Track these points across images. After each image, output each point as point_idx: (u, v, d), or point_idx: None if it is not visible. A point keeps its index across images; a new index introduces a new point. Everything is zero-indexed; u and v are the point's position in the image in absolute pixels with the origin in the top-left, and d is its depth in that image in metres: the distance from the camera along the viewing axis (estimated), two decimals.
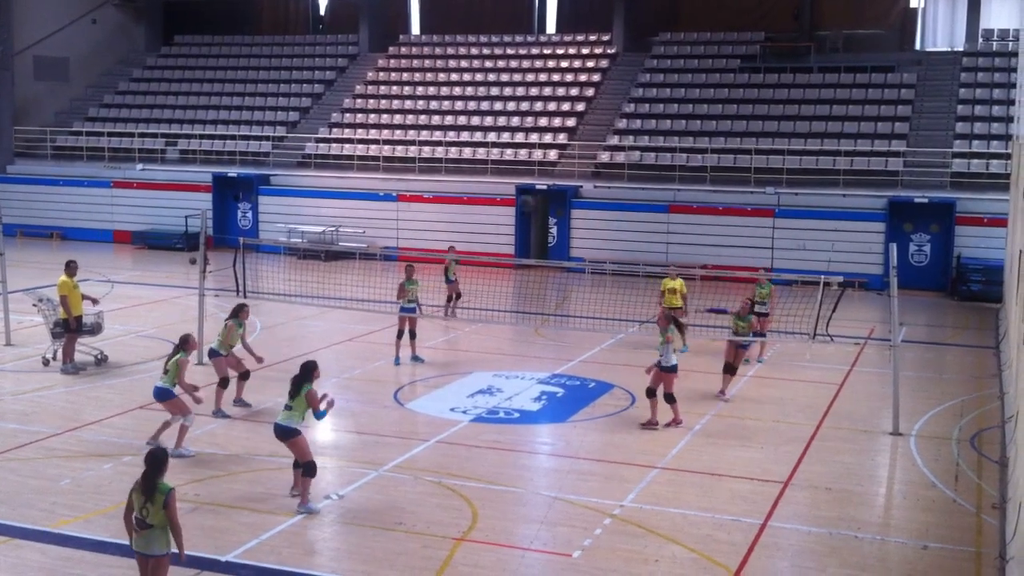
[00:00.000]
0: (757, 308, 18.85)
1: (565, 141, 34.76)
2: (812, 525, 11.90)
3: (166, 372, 13.90)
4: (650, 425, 15.46)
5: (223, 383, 15.87)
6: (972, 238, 28.22)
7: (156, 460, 8.99)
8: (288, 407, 12.20)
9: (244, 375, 16.21)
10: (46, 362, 18.46)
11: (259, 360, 16.20)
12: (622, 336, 21.42)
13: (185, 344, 14.14)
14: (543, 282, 29.07)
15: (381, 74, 40.08)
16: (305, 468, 12.05)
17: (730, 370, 17.31)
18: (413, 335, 19.35)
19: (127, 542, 10.65)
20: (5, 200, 34.32)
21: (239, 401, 16.15)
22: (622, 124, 34.69)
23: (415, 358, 19.38)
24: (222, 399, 15.83)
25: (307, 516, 11.83)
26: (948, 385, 18.55)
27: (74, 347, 18.19)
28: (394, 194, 33.40)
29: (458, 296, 23.30)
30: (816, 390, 17.93)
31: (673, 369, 15.44)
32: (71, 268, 18.42)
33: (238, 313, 16.21)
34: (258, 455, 13.80)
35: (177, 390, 13.88)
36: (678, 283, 20.58)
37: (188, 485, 12.40)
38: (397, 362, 19.22)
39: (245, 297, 18.91)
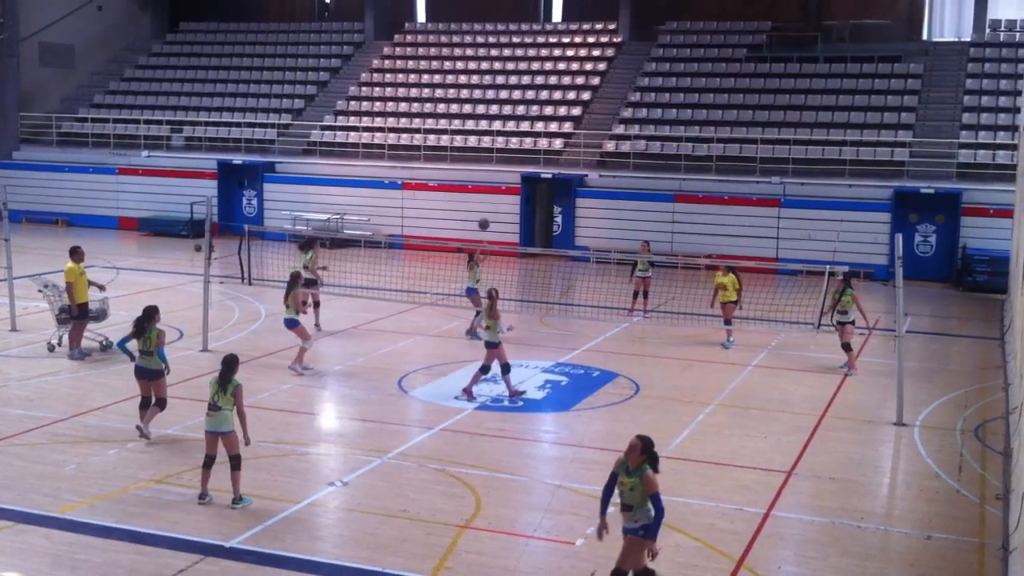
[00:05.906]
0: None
1: (571, 130, 34.71)
2: (815, 515, 11.91)
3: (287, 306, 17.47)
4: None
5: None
6: (978, 229, 28.15)
7: (229, 363, 11.78)
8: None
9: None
10: (51, 348, 18.47)
11: None
12: (626, 325, 21.41)
13: (295, 281, 17.76)
14: (548, 271, 29.07)
15: (387, 62, 40.03)
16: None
17: (847, 348, 18.27)
18: (317, 304, 20.66)
19: (132, 527, 10.76)
20: (10, 186, 34.12)
21: None
22: (628, 113, 34.63)
23: (316, 326, 20.38)
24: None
25: (307, 504, 11.85)
26: (952, 376, 18.53)
27: (80, 333, 18.18)
28: (399, 182, 33.39)
29: (645, 294, 22.28)
30: (820, 380, 17.92)
31: None
32: (77, 254, 18.29)
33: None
34: (263, 442, 13.81)
35: (300, 317, 17.71)
36: (729, 279, 19.97)
37: (192, 472, 12.41)
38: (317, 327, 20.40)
39: (251, 284, 18.94)
